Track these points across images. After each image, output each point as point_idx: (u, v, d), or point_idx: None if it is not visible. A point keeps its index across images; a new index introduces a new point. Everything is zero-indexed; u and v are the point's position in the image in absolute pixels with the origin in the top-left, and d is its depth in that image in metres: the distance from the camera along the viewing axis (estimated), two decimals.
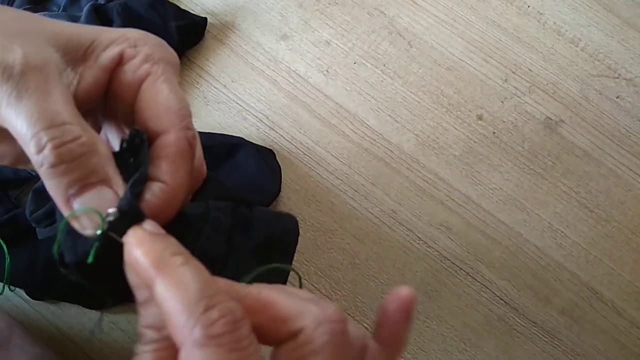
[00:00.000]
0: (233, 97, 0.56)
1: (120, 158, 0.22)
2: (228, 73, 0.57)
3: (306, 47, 0.57)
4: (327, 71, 0.56)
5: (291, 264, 0.34)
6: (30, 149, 0.20)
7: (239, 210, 0.44)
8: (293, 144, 0.55)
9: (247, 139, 0.54)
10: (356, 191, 0.53)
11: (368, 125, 0.55)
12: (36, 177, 0.50)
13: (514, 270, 0.52)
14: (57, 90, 0.20)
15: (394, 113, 0.55)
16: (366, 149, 0.54)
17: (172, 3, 0.56)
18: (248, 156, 0.52)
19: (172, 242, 0.20)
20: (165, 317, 0.18)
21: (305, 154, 0.54)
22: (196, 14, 0.57)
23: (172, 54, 0.24)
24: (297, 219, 0.53)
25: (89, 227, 0.21)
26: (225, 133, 0.54)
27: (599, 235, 0.53)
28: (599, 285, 0.52)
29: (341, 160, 0.54)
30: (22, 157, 0.24)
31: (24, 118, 0.19)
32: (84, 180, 0.20)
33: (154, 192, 0.22)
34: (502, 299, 0.51)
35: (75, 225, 0.21)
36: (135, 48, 0.23)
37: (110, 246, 0.20)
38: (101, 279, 0.22)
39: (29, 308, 0.49)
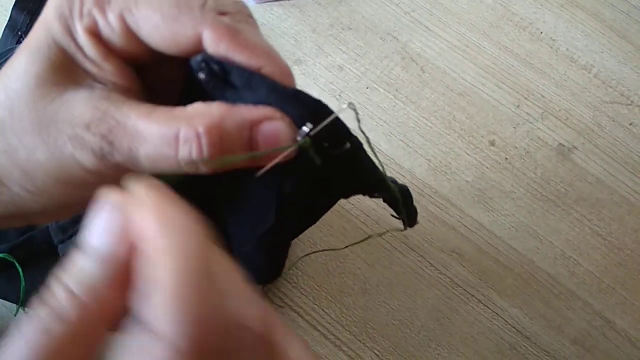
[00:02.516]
0: None
1: (206, 90, 0.21)
2: None
3: (319, 71, 0.57)
4: (339, 95, 0.57)
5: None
6: (190, 169, 0.19)
7: None
8: None
9: None
10: (368, 216, 0.54)
11: (380, 149, 0.55)
12: None
13: (526, 298, 0.52)
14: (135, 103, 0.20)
15: (406, 138, 0.56)
16: None
17: None
18: None
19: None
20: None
21: None
22: None
23: None
24: (308, 242, 0.53)
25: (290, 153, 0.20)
26: None
27: (611, 264, 0.53)
28: (611, 314, 0.52)
29: None
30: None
31: (156, 160, 0.19)
32: (244, 138, 0.19)
33: (269, 72, 0.20)
34: (514, 327, 0.51)
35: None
36: (85, 10, 0.20)
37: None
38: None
39: None
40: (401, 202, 0.27)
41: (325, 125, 0.20)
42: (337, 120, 0.22)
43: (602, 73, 0.58)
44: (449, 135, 0.56)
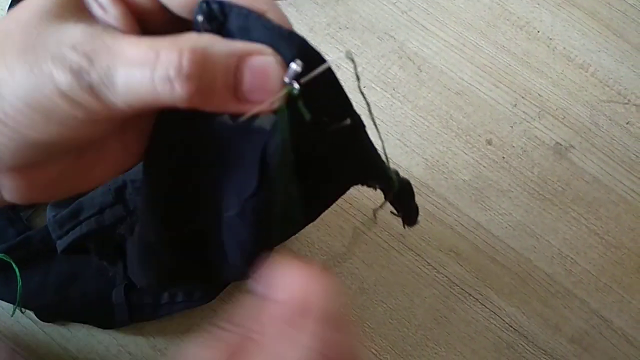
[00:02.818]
0: None
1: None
2: None
3: None
4: None
5: None
6: (168, 99, 0.18)
7: None
8: None
9: None
10: (365, 215, 0.54)
11: (377, 148, 0.55)
12: None
13: (523, 296, 0.52)
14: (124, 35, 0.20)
15: (403, 137, 0.56)
16: None
17: None
18: None
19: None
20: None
21: None
22: None
23: None
24: (306, 242, 0.53)
25: (278, 98, 0.19)
26: None
27: (608, 262, 0.53)
28: (608, 313, 0.52)
29: None
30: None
31: (133, 86, 0.18)
32: (230, 72, 0.18)
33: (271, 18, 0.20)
34: (511, 326, 0.51)
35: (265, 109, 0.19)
36: None
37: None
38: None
39: (38, 330, 0.49)
40: (397, 190, 0.27)
41: (324, 91, 0.20)
42: (339, 89, 0.21)
43: (599, 72, 0.58)
44: (446, 134, 0.56)
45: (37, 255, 0.47)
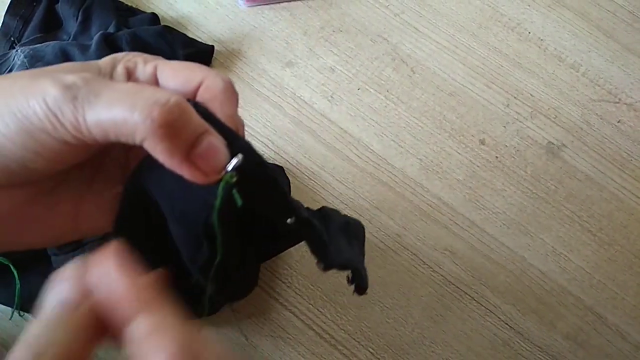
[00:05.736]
0: None
1: None
2: None
3: (311, 73, 0.58)
4: (331, 97, 0.57)
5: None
6: (135, 125, 0.21)
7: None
8: (298, 169, 0.55)
9: None
10: (361, 215, 0.54)
11: (372, 150, 0.56)
12: None
13: (518, 294, 0.52)
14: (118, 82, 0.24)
15: (397, 138, 0.56)
16: (370, 174, 0.55)
17: (180, 32, 0.57)
18: None
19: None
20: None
21: (310, 179, 0.55)
22: (203, 42, 0.58)
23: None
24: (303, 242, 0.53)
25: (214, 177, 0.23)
26: None
27: (602, 259, 0.54)
28: (603, 310, 0.52)
29: (346, 184, 0.55)
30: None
31: (114, 104, 0.21)
32: (194, 133, 0.22)
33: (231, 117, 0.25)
34: (506, 324, 0.52)
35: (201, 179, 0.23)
36: (131, 60, 0.26)
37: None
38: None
39: None
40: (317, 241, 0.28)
41: (264, 194, 0.25)
42: (280, 194, 0.26)
43: (590, 72, 0.59)
44: (439, 134, 0.56)
45: (36, 257, 0.47)
